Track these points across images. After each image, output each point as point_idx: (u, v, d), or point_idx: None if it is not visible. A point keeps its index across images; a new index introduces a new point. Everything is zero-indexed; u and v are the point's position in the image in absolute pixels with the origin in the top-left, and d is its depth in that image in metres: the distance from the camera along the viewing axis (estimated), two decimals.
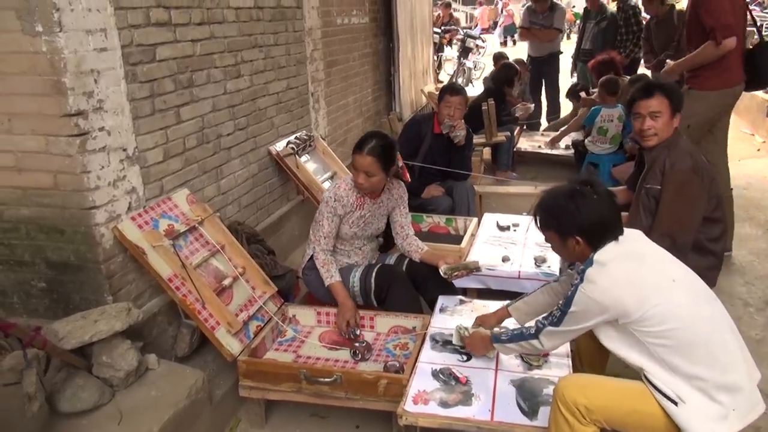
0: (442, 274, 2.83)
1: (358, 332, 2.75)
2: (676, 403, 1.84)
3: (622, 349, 1.94)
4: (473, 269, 2.87)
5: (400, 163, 2.93)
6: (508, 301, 2.52)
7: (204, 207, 2.79)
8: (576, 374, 2.06)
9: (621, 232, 2.00)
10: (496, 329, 2.37)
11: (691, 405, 1.83)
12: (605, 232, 1.98)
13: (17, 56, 2.10)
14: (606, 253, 1.95)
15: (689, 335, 1.85)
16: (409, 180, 3.12)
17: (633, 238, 2.04)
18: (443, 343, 2.51)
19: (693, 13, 3.72)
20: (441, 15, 12.99)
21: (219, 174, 3.09)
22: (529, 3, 7.74)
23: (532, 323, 2.17)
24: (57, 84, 2.10)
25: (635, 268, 1.92)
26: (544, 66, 7.44)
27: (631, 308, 1.86)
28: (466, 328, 2.46)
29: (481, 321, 2.49)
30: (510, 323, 2.48)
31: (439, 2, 13.71)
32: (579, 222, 1.99)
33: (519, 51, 12.36)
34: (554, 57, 7.47)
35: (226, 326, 2.50)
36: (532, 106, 7.00)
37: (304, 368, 2.42)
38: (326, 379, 2.38)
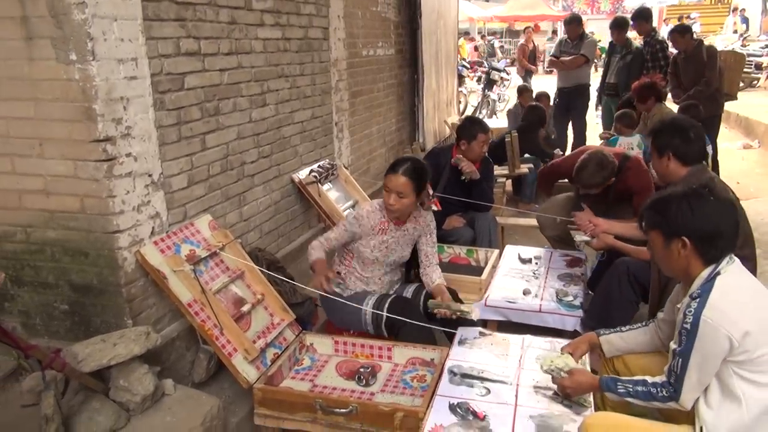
0: (428, 305, 2.82)
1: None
2: None
3: (710, 395, 1.79)
4: (460, 313, 2.78)
5: (431, 191, 2.94)
6: (600, 330, 2.32)
7: (225, 233, 2.82)
8: (602, 413, 1.97)
9: (733, 250, 1.83)
10: (605, 375, 2.09)
11: None
12: (718, 241, 1.80)
13: (51, 83, 2.16)
14: (727, 276, 1.78)
15: None
16: (440, 208, 3.11)
17: (747, 271, 1.88)
18: (461, 376, 2.47)
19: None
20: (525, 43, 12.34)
21: (242, 201, 3.12)
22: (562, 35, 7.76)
23: (656, 379, 1.91)
24: (88, 110, 2.16)
25: (758, 302, 1.78)
26: (571, 97, 7.40)
27: (750, 343, 1.69)
28: (560, 369, 2.16)
29: (572, 348, 2.28)
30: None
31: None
32: (691, 222, 1.81)
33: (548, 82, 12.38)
34: (583, 88, 7.42)
35: (244, 353, 2.49)
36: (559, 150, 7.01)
37: (320, 398, 2.40)
38: (342, 410, 2.35)
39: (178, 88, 2.58)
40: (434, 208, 3.10)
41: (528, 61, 11.41)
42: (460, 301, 2.95)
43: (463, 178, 4.06)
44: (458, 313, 2.79)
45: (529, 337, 2.77)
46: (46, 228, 2.36)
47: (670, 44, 6.72)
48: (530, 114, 6.37)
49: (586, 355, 2.48)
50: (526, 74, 11.02)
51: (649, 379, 1.92)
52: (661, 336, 2.20)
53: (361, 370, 2.63)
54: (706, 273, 1.82)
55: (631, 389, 1.92)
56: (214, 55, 2.79)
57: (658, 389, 1.86)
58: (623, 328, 2.30)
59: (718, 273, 1.80)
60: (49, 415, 1.95)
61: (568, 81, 7.38)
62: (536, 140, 6.19)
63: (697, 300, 1.76)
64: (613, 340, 2.28)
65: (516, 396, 2.34)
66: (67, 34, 2.09)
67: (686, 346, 1.76)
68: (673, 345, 1.84)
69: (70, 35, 2.09)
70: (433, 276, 3.01)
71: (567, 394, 2.18)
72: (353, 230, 2.85)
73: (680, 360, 1.78)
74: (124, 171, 2.30)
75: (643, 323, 2.28)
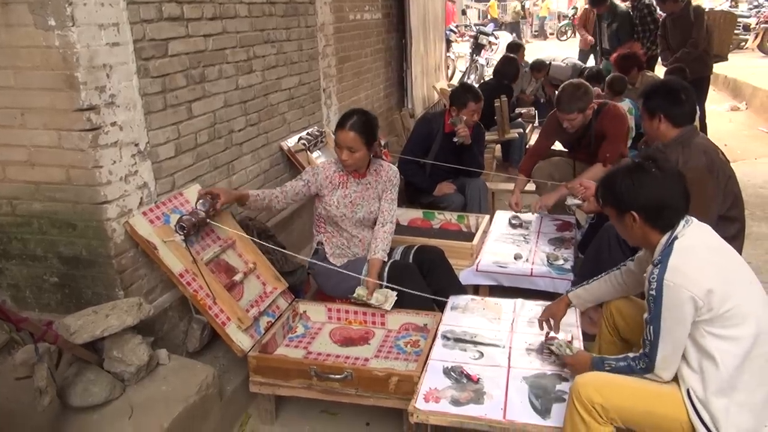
0: (352, 297, 2.80)
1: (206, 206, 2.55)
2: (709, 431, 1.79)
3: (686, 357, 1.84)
4: (373, 304, 2.77)
5: (383, 141, 2.93)
6: (569, 288, 2.50)
7: (216, 195, 2.76)
8: (593, 373, 2.01)
9: (684, 216, 1.90)
10: (596, 355, 2.14)
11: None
12: (664, 212, 1.89)
13: (30, 50, 2.10)
14: (685, 239, 1.85)
15: (754, 345, 1.78)
16: (389, 159, 3.10)
17: (708, 230, 1.94)
18: (454, 341, 2.50)
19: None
20: None
21: (230, 170, 3.08)
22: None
23: (637, 353, 1.95)
24: (69, 78, 2.10)
25: (717, 261, 1.83)
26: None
27: (714, 302, 1.75)
28: (569, 346, 2.29)
29: (551, 313, 2.41)
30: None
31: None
32: (635, 197, 1.90)
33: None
34: (583, 53, 7.44)
35: (237, 322, 2.49)
36: (535, 111, 6.99)
37: (315, 364, 2.42)
38: (337, 376, 2.37)
39: (161, 54, 2.51)
40: (384, 159, 3.07)
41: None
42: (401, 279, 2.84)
43: (456, 140, 4.04)
44: (375, 304, 2.77)
45: (520, 301, 2.80)
46: (32, 200, 2.32)
47: (657, 7, 6.67)
48: (503, 66, 6.14)
49: (579, 329, 2.51)
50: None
51: (631, 354, 1.98)
52: (626, 281, 2.32)
53: (183, 216, 2.48)
54: (664, 239, 1.90)
55: (614, 365, 1.99)
56: (197, 20, 2.72)
57: (637, 362, 1.92)
58: (588, 282, 2.42)
59: (676, 237, 1.87)
60: (43, 387, 1.94)
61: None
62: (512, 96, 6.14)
63: (659, 266, 1.82)
64: (580, 293, 2.42)
65: (509, 358, 2.37)
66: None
67: (655, 313, 1.82)
68: (645, 315, 1.89)
69: (48, 0, 2.02)
70: (377, 245, 2.88)
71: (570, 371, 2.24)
72: (307, 178, 2.87)
73: (651, 327, 1.84)
74: (110, 140, 2.25)
75: (605, 273, 2.40)
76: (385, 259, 2.86)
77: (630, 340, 2.36)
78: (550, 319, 2.42)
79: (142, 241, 2.38)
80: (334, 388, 2.40)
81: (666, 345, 1.83)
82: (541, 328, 2.45)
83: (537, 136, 4.71)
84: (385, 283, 2.81)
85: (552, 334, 2.42)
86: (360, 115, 2.82)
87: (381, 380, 2.32)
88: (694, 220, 1.93)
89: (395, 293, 2.77)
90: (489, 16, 21.15)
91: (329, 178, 2.90)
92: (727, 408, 1.79)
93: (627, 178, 1.93)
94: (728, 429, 1.78)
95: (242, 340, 2.49)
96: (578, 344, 2.40)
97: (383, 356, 2.63)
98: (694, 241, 1.85)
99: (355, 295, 2.78)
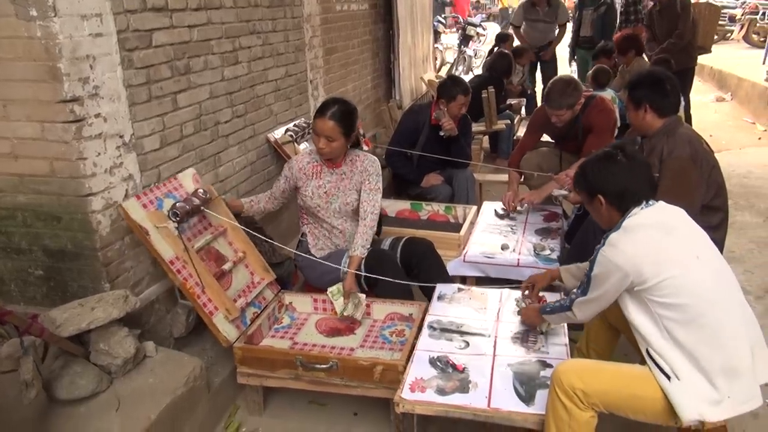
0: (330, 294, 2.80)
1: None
2: (669, 378, 1.85)
3: (637, 316, 1.96)
4: (343, 315, 2.75)
5: (361, 130, 2.94)
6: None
7: (210, 188, 2.77)
8: (574, 359, 2.07)
9: (647, 200, 2.04)
10: (544, 304, 2.46)
11: (686, 383, 1.84)
12: (627, 196, 2.03)
13: (11, 41, 2.07)
14: (633, 218, 2.00)
15: (700, 314, 1.86)
16: (371, 147, 3.11)
17: (670, 212, 2.07)
18: (441, 331, 2.51)
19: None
20: None
21: (217, 161, 3.07)
22: (525, 1, 7.60)
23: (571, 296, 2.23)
24: (52, 70, 2.08)
25: (659, 238, 1.95)
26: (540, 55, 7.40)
27: (646, 274, 1.89)
28: (522, 301, 2.61)
29: (533, 280, 2.61)
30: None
31: None
32: (601, 182, 2.08)
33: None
34: (551, 46, 7.43)
35: (225, 312, 2.49)
36: (524, 100, 7.01)
37: (300, 354, 2.42)
38: (322, 366, 2.38)
39: (146, 45, 2.49)
40: (365, 147, 3.09)
41: None
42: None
43: (442, 134, 4.05)
44: (345, 314, 2.75)
45: (507, 291, 2.82)
46: (16, 192, 2.30)
47: None
48: (497, 61, 6.26)
49: None
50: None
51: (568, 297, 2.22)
52: None
53: (177, 204, 2.49)
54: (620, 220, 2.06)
55: (551, 306, 2.29)
56: (182, 10, 2.70)
57: (564, 301, 2.21)
58: (583, 263, 2.49)
59: (627, 217, 2.03)
60: (29, 380, 1.94)
61: (538, 41, 7.35)
62: (504, 89, 6.17)
63: (604, 239, 2.04)
64: (570, 269, 2.53)
65: (494, 346, 2.39)
66: None
67: (589, 272, 2.06)
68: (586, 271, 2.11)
69: None
70: (356, 241, 2.83)
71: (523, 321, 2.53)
72: (285, 174, 2.95)
73: (585, 279, 2.09)
74: (94, 132, 2.24)
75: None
76: (364, 256, 2.81)
77: (618, 326, 2.40)
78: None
79: (134, 226, 2.35)
80: (320, 378, 2.41)
81: (588, 296, 2.07)
82: (523, 293, 2.63)
83: (525, 128, 4.74)
84: (363, 273, 2.80)
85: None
86: (340, 104, 2.81)
87: (366, 369, 2.33)
88: (660, 203, 2.06)
89: (364, 300, 2.74)
90: (500, 5, 20.83)
91: (303, 169, 2.91)
92: (682, 361, 1.86)
93: (596, 165, 2.12)
94: (689, 377, 1.84)
95: (228, 331, 2.49)
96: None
97: (369, 346, 2.64)
98: (642, 220, 1.99)
99: (328, 291, 2.79)
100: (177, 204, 2.47)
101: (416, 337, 2.47)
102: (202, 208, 2.59)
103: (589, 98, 3.78)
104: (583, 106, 3.70)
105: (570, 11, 7.99)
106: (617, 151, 2.11)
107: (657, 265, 1.89)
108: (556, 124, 3.69)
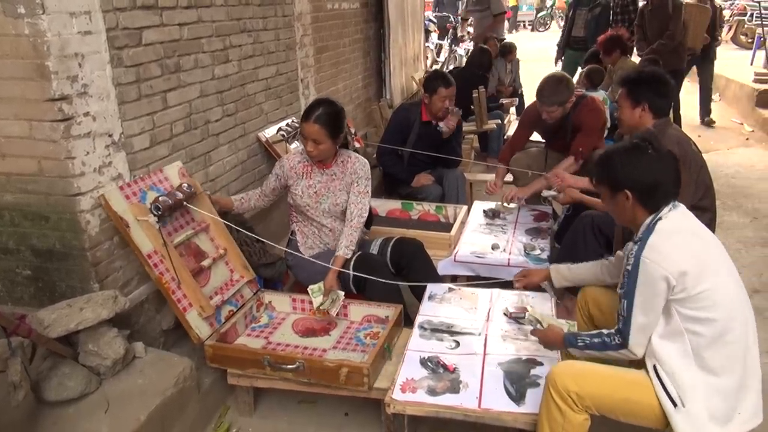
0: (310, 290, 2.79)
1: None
2: (675, 405, 1.83)
3: (657, 328, 1.88)
4: (318, 307, 2.75)
5: (352, 130, 2.93)
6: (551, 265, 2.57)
7: (195, 182, 2.75)
8: (568, 361, 2.04)
9: (675, 199, 1.94)
10: (566, 331, 2.19)
11: (691, 413, 1.81)
12: (658, 192, 1.92)
13: None
14: (666, 222, 1.89)
15: (727, 330, 1.82)
16: (362, 144, 3.11)
17: (692, 217, 1.98)
18: (431, 331, 2.52)
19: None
20: None
21: (207, 160, 3.06)
22: None
23: (611, 329, 1.97)
24: (40, 68, 2.06)
25: (698, 246, 1.88)
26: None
27: (688, 283, 1.79)
28: (539, 321, 2.34)
29: (526, 272, 2.53)
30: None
31: None
32: (630, 175, 1.92)
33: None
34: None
35: (199, 309, 2.48)
36: (517, 99, 7.02)
37: (268, 354, 2.41)
38: (289, 366, 2.36)
39: (135, 43, 2.47)
40: (357, 145, 3.10)
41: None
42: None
43: (441, 127, 4.06)
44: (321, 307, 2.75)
45: (497, 291, 2.83)
46: (4, 192, 2.27)
47: None
48: (475, 57, 6.25)
49: (553, 308, 2.56)
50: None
51: (605, 330, 2.00)
52: (608, 270, 2.38)
53: (160, 198, 2.47)
54: (648, 219, 1.94)
55: (588, 341, 2.01)
56: (172, 8, 2.68)
57: (611, 338, 1.95)
58: (574, 264, 2.48)
59: (660, 219, 1.91)
60: (17, 381, 1.91)
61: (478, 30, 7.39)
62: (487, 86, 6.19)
63: (638, 243, 1.87)
64: (562, 269, 2.49)
65: (485, 346, 2.40)
66: None
67: (629, 287, 1.86)
68: (618, 289, 1.94)
69: None
70: (341, 242, 2.83)
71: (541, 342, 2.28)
72: (276, 172, 2.95)
73: (625, 302, 1.88)
74: (83, 131, 2.22)
75: (592, 262, 2.46)
76: (348, 256, 2.81)
77: (604, 327, 2.38)
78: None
79: (114, 217, 2.32)
80: (288, 377, 2.39)
81: (638, 319, 1.86)
82: (516, 288, 2.58)
83: (515, 126, 4.74)
84: (351, 272, 2.79)
85: (524, 306, 2.52)
86: (326, 106, 2.80)
87: (332, 371, 2.31)
88: (681, 206, 1.97)
89: (342, 297, 2.74)
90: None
91: (294, 168, 2.92)
92: (695, 385, 1.83)
93: (624, 158, 1.95)
94: (696, 405, 1.81)
95: (201, 328, 2.48)
96: (550, 313, 2.46)
97: (341, 347, 2.63)
98: (677, 224, 1.90)
99: (309, 288, 2.78)
100: (160, 198, 2.45)
101: (386, 340, 2.45)
102: (185, 203, 2.58)
103: (580, 97, 3.80)
104: (574, 105, 3.72)
105: (561, 11, 8.02)
106: (646, 143, 1.96)
107: (698, 275, 1.80)
108: (547, 120, 3.70)
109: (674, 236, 1.87)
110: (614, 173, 1.97)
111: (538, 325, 2.32)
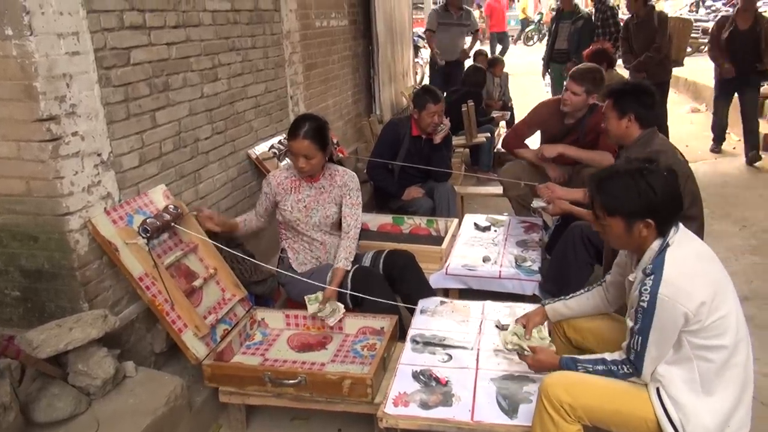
0: (307, 299, 2.79)
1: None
2: (675, 429, 1.83)
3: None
4: (317, 315, 2.75)
5: (335, 140, 2.96)
6: (546, 300, 2.42)
7: (180, 204, 2.75)
8: (561, 372, 2.03)
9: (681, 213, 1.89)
10: (565, 355, 2.09)
11: None
12: (676, 213, 1.85)
13: None
14: (678, 248, 1.82)
15: (733, 354, 1.82)
16: (346, 154, 3.14)
17: (692, 235, 1.93)
18: (423, 344, 2.51)
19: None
20: None
21: (197, 178, 3.06)
22: (437, 6, 7.80)
23: (614, 356, 1.94)
24: (28, 88, 2.07)
25: (708, 268, 1.84)
26: (453, 68, 7.42)
27: (704, 312, 1.75)
28: (524, 349, 2.20)
29: (525, 321, 2.32)
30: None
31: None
32: (653, 201, 1.81)
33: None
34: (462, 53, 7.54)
35: (194, 329, 2.47)
36: (509, 113, 7.09)
37: (269, 370, 2.40)
38: (290, 381, 2.35)
39: (123, 63, 2.49)
40: (340, 155, 3.13)
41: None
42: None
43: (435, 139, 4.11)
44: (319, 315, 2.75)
45: (489, 303, 2.83)
46: None
47: (620, 10, 6.82)
48: (471, 76, 6.35)
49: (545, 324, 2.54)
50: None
51: (608, 356, 1.97)
52: (609, 298, 2.29)
53: (148, 220, 2.47)
54: (656, 245, 1.87)
55: (590, 368, 1.97)
56: (160, 28, 2.70)
57: (619, 366, 1.92)
58: (567, 297, 2.37)
59: (668, 245, 1.84)
60: (6, 403, 1.90)
61: (453, 54, 7.40)
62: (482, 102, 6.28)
63: (652, 277, 1.79)
64: (558, 308, 2.36)
65: (477, 360, 2.40)
66: (0, 8, 1.99)
67: (644, 324, 1.80)
68: (630, 323, 1.88)
69: (5, 9, 1.99)
70: (340, 254, 2.86)
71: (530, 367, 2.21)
72: (265, 190, 2.98)
73: (639, 338, 1.82)
74: (71, 151, 2.22)
75: (586, 288, 2.36)
76: (348, 268, 2.84)
77: (583, 347, 2.32)
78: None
79: (103, 242, 2.32)
80: (289, 393, 2.38)
81: (652, 354, 1.84)
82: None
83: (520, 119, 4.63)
84: (349, 291, 2.80)
85: (511, 325, 2.37)
86: (311, 121, 2.84)
87: (334, 384, 2.30)
88: (680, 225, 1.91)
89: (342, 310, 2.75)
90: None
91: (281, 184, 2.94)
92: (698, 412, 1.82)
93: (641, 182, 1.82)
94: (696, 429, 1.81)
95: (198, 348, 2.47)
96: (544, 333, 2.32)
97: (339, 360, 2.63)
98: (685, 249, 1.84)
99: (306, 297, 2.78)
100: (147, 220, 2.45)
101: (385, 350, 2.45)
102: (173, 224, 2.58)
103: (594, 105, 3.81)
104: (589, 110, 3.76)
105: (546, 25, 8.12)
106: (653, 164, 1.87)
107: (713, 302, 1.77)
108: (564, 104, 3.73)
109: (687, 265, 1.80)
110: (632, 202, 1.84)
111: (525, 352, 2.20)
